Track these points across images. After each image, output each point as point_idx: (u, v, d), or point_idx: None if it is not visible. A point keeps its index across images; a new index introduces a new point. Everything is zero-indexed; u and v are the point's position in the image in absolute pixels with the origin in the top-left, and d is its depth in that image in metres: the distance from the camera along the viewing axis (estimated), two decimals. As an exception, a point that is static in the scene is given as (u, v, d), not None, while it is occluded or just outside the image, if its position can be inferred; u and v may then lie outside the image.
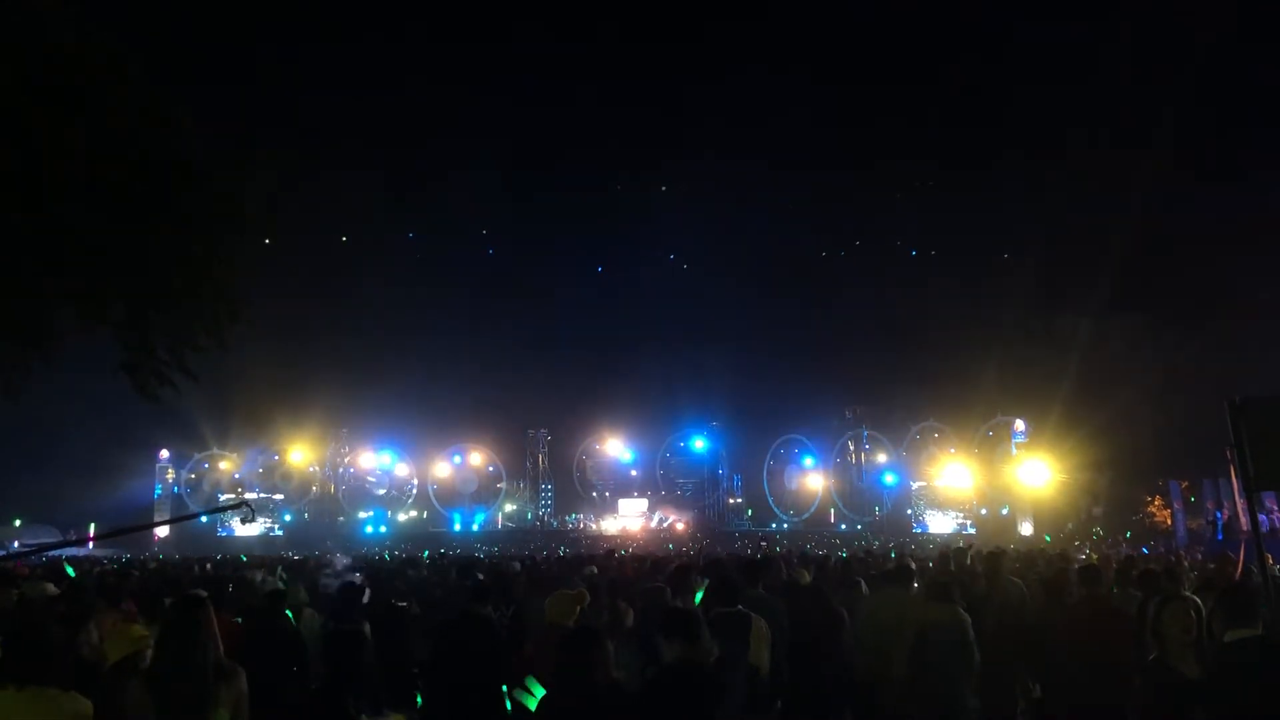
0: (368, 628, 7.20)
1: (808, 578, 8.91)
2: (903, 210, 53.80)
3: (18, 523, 41.73)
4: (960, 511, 49.46)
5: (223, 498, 50.33)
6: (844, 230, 55.88)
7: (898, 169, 53.60)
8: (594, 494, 54.35)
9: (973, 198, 50.78)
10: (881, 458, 51.05)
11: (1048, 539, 36.74)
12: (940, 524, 48.48)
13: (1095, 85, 43.88)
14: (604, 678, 4.37)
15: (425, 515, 52.99)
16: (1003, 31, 54.11)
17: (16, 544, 31.27)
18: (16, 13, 7.23)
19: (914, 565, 9.51)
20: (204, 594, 4.90)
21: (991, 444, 48.87)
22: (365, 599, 8.17)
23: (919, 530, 47.82)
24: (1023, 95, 52.99)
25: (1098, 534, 39.76)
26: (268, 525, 50.31)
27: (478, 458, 52.91)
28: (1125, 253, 43.16)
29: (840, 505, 51.46)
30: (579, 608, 5.94)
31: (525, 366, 51.17)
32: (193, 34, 40.36)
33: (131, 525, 28.87)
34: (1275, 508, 27.38)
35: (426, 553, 23.54)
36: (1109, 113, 44.13)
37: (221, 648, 4.07)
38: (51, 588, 8.64)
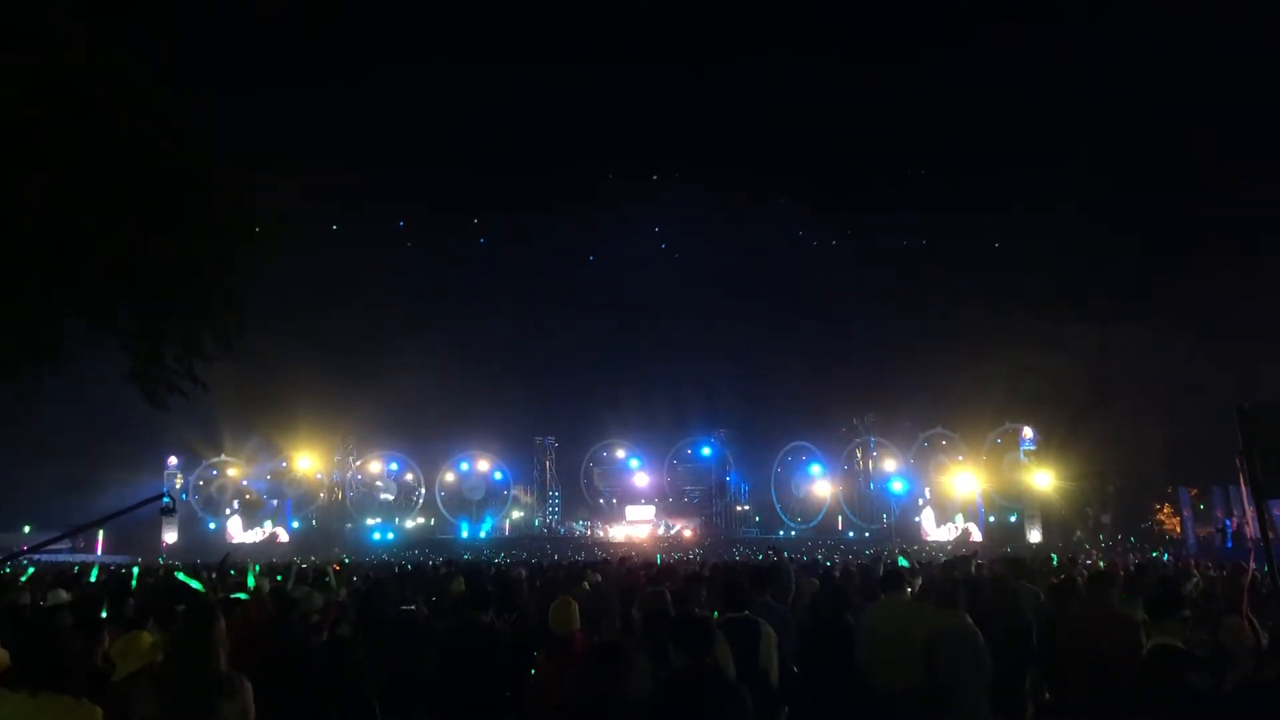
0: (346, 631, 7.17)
1: (816, 584, 8.92)
2: (911, 216, 53.79)
3: (27, 529, 41.89)
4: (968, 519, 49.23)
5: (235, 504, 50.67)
6: (852, 236, 55.92)
7: (905, 173, 53.72)
8: (601, 501, 54.28)
9: (981, 202, 50.76)
10: (889, 465, 50.87)
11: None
12: (948, 532, 48.27)
13: (1102, 88, 43.83)
14: (625, 690, 4.39)
15: (433, 522, 52.99)
16: (1010, 33, 54.06)
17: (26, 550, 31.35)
18: (28, 22, 7.29)
19: (918, 567, 9.50)
20: (215, 604, 4.92)
21: (1000, 451, 48.65)
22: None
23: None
24: (1030, 99, 53.00)
25: (1105, 544, 39.56)
26: (275, 532, 50.50)
27: (485, 465, 52.92)
28: (1134, 259, 43.13)
29: (848, 512, 51.29)
30: (576, 612, 5.94)
31: (533, 374, 51.28)
32: (202, 43, 40.64)
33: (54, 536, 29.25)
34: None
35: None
36: (1118, 116, 44.03)
37: (224, 658, 4.05)
38: (64, 594, 8.67)
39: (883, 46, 57.89)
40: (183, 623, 4.15)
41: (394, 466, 53.28)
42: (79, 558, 38.66)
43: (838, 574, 11.33)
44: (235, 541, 46.80)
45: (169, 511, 11.59)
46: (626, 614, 6.80)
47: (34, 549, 25.00)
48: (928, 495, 49.66)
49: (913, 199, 54.59)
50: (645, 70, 60.28)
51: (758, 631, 6.01)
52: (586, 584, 9.94)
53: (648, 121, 61.85)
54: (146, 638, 4.52)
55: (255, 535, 49.69)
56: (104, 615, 7.29)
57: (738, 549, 41.17)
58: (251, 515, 50.82)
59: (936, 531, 48.25)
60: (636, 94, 66.48)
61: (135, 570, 14.22)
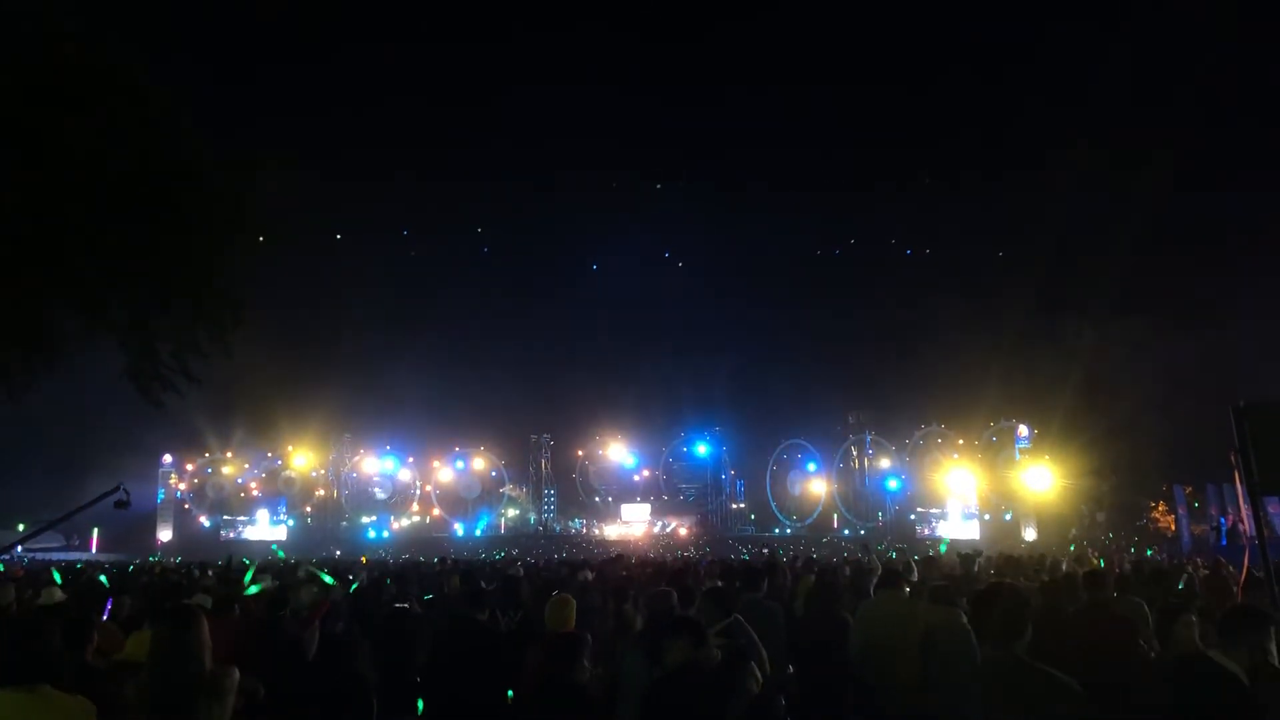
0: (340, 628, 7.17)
1: (810, 580, 8.91)
2: (905, 212, 53.78)
3: (21, 527, 41.76)
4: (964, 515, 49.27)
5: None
6: (846, 233, 55.92)
7: (900, 170, 53.72)
8: (596, 499, 54.24)
9: (976, 200, 50.80)
10: (884, 462, 50.87)
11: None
12: (941, 530, 48.33)
13: (1097, 86, 43.86)
14: (576, 677, 4.52)
15: (428, 520, 52.94)
16: (1004, 33, 54.16)
17: (19, 548, 31.32)
18: (20, 17, 7.26)
19: (913, 565, 9.50)
20: (197, 605, 4.90)
21: (995, 449, 48.70)
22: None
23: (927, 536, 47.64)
24: (1024, 97, 53.03)
25: (1106, 539, 39.63)
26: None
27: (480, 463, 52.86)
28: (1129, 256, 43.17)
29: (843, 510, 51.31)
30: (573, 611, 5.96)
31: (528, 371, 51.20)
32: (195, 37, 40.52)
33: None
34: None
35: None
36: (1112, 114, 44.06)
37: (209, 658, 3.99)
38: (58, 593, 8.65)
39: (878, 43, 57.94)
40: (161, 625, 4.11)
41: (390, 464, 53.22)
42: (74, 556, 38.63)
43: (831, 571, 11.32)
44: (238, 539, 46.76)
45: (123, 505, 11.70)
46: (619, 611, 6.80)
47: (12, 545, 24.90)
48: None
49: (909, 196, 54.60)
50: (644, 71, 60.39)
51: (748, 633, 5.99)
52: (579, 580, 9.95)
53: (646, 122, 61.95)
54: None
55: (261, 533, 49.62)
56: (105, 616, 7.26)
57: (734, 547, 41.22)
58: (248, 513, 50.83)
59: (940, 530, 48.11)
60: (637, 94, 66.53)
61: (130, 569, 14.20)
